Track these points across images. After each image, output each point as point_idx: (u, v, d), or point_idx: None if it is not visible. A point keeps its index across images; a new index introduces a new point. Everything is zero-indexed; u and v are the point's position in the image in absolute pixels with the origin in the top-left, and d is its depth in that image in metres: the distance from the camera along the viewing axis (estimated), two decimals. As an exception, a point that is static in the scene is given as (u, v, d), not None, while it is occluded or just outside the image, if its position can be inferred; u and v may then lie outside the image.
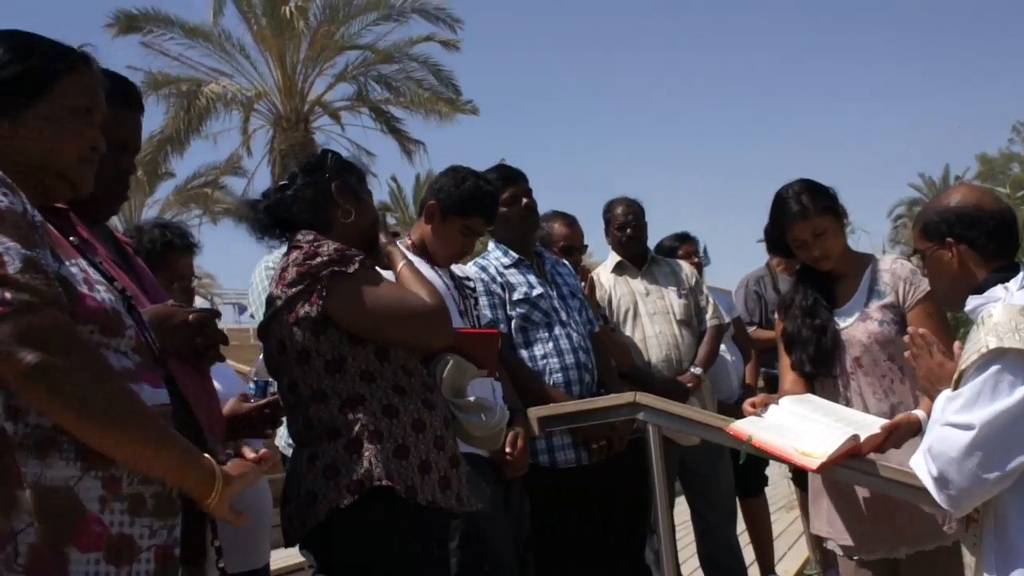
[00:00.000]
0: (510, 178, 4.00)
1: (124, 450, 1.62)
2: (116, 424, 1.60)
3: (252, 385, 2.67)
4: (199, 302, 3.91)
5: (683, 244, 5.82)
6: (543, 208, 4.42)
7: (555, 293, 4.05)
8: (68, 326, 1.60)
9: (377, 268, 2.71)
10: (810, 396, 3.23)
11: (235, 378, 3.76)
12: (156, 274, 2.53)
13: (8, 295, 1.54)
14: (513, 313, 3.92)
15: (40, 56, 1.82)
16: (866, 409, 3.21)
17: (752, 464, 4.84)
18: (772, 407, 3.11)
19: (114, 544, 1.62)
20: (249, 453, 1.87)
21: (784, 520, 7.70)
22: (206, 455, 1.75)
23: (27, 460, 1.57)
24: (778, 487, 7.41)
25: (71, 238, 1.88)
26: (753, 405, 3.14)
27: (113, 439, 1.60)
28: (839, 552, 3.33)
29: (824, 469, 2.87)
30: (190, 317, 2.08)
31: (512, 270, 3.99)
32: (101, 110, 1.88)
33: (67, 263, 1.72)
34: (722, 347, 5.08)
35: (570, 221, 4.83)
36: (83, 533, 1.59)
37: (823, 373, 3.30)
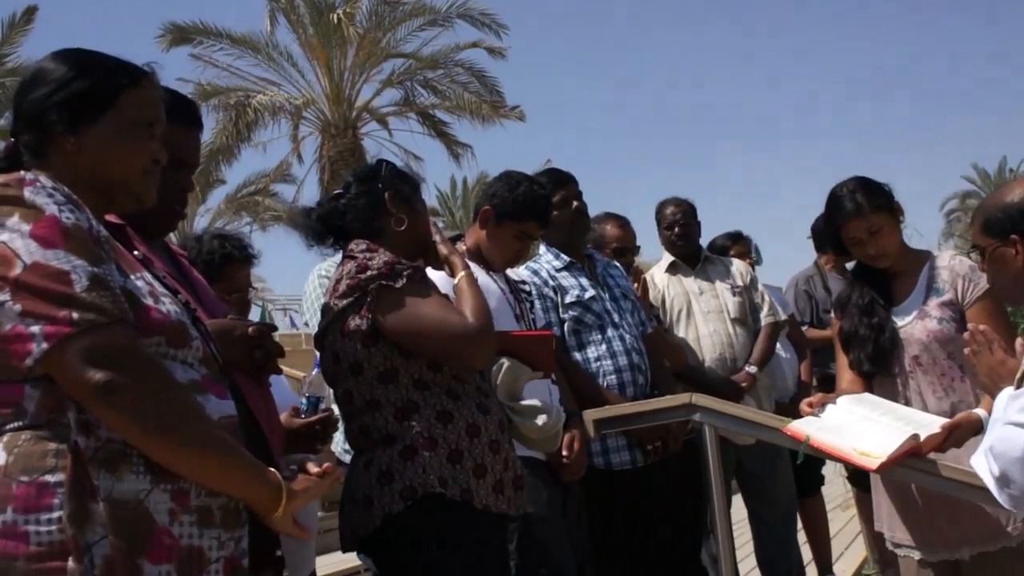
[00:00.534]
0: (560, 181, 4.01)
1: (190, 466, 1.65)
2: (182, 441, 1.63)
3: (304, 400, 2.70)
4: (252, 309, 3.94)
5: (736, 244, 5.79)
6: (593, 210, 4.43)
7: (607, 295, 4.04)
8: (134, 343, 1.63)
9: (431, 277, 2.73)
10: (868, 395, 3.19)
11: (286, 387, 3.80)
12: (213, 285, 2.57)
13: (75, 315, 1.57)
14: (566, 316, 3.92)
15: (103, 72, 1.85)
16: (925, 408, 3.17)
17: (808, 464, 4.79)
18: (830, 407, 3.08)
19: (184, 556, 1.64)
20: (313, 467, 1.89)
21: (840, 519, 7.61)
22: (272, 469, 1.77)
23: (99, 473, 1.60)
24: (833, 486, 7.32)
25: (135, 252, 1.91)
26: (810, 405, 3.12)
27: (179, 455, 1.64)
28: (900, 552, 3.29)
29: (884, 469, 2.84)
30: (250, 330, 2.11)
31: (564, 273, 4.00)
32: (162, 123, 1.91)
33: (132, 276, 1.75)
34: (776, 345, 5.04)
35: (622, 223, 4.81)
36: (155, 545, 1.61)
37: (881, 372, 3.26)
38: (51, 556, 1.57)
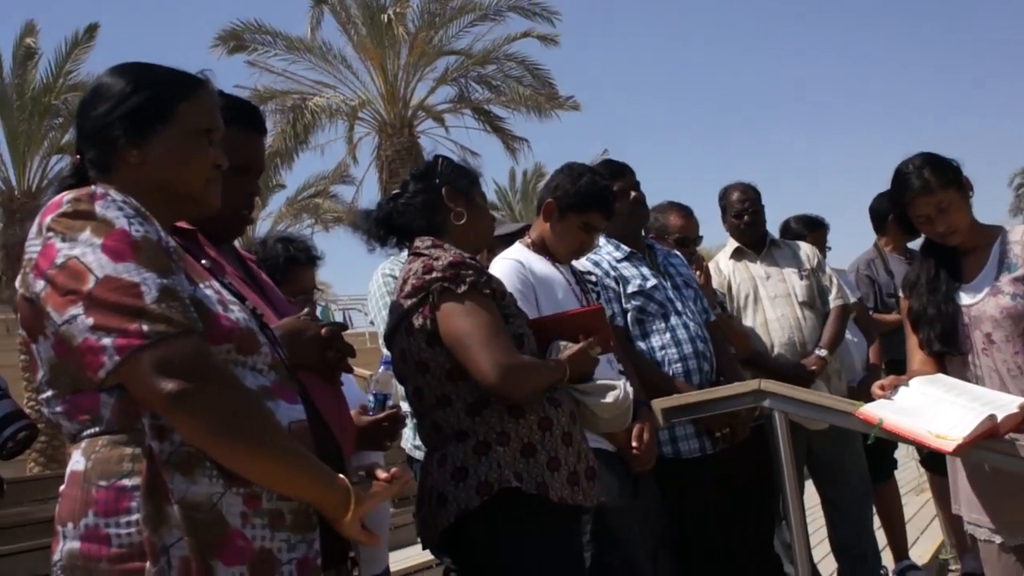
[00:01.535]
0: (617, 172, 3.99)
1: (260, 472, 1.68)
2: (254, 448, 1.66)
3: (371, 398, 2.73)
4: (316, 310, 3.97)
5: (813, 232, 5.62)
6: (651, 200, 4.40)
7: (669, 284, 4.02)
8: (204, 353, 1.65)
9: (498, 274, 2.74)
10: (941, 376, 3.14)
11: (354, 385, 3.84)
12: (279, 288, 2.60)
13: (146, 327, 1.60)
14: (628, 306, 3.91)
15: (161, 84, 1.88)
16: (1002, 387, 3.10)
17: (881, 448, 4.73)
18: (902, 389, 3.04)
19: (256, 558, 1.67)
20: (381, 473, 1.91)
21: (914, 504, 7.49)
22: (340, 476, 1.79)
23: (174, 477, 1.63)
24: (905, 470, 7.19)
25: (203, 261, 1.94)
26: (882, 388, 3.07)
27: (249, 462, 1.66)
28: (980, 537, 3.22)
29: (961, 451, 2.79)
30: (323, 331, 2.13)
31: (625, 263, 3.99)
32: (220, 130, 1.94)
33: (201, 285, 1.78)
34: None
35: (686, 212, 4.76)
36: (228, 548, 1.64)
37: (952, 351, 3.20)
38: (132, 557, 1.61)
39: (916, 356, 3.29)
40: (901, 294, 3.47)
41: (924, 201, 3.18)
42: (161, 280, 1.65)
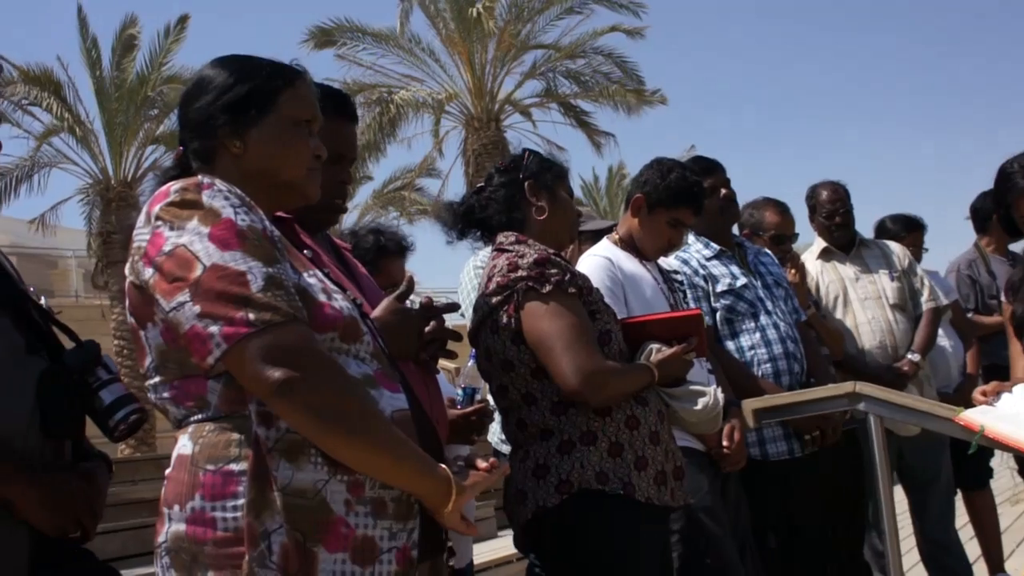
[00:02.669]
0: (707, 169, 3.94)
1: (363, 461, 1.69)
2: (357, 437, 1.67)
3: (459, 392, 2.73)
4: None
5: (910, 232, 5.43)
6: (741, 198, 4.33)
7: (759, 283, 3.97)
8: (310, 341, 1.67)
9: (586, 271, 2.71)
10: (1048, 382, 3.04)
11: (442, 378, 3.85)
12: (370, 277, 2.61)
13: (252, 315, 1.62)
14: (718, 305, 3.87)
15: (262, 75, 1.91)
16: (1113, 395, 2.99)
17: (976, 456, 4.59)
18: (1005, 395, 2.96)
19: (359, 545, 1.68)
20: (481, 463, 1.90)
21: (1009, 514, 7.28)
22: (442, 465, 1.79)
23: (279, 463, 1.65)
24: (1000, 479, 6.99)
25: (304, 251, 1.96)
26: (984, 393, 2.99)
27: (353, 451, 1.67)
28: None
29: (1067, 461, 2.69)
30: (426, 329, 2.12)
31: (714, 262, 3.94)
32: (319, 120, 1.96)
33: (305, 274, 1.80)
34: (939, 332, 4.83)
35: (782, 209, 4.67)
36: (331, 534, 1.65)
37: (1060, 358, 3.10)
38: (237, 541, 1.63)
39: (1020, 362, 3.21)
40: (1003, 297, 3.37)
41: (1031, 201, 3.09)
42: (267, 269, 1.67)
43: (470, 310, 3.23)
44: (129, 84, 18.12)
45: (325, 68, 18.02)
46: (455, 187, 20.16)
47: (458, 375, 2.88)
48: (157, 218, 1.72)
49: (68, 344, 2.14)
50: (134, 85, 18.11)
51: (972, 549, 5.13)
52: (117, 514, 6.81)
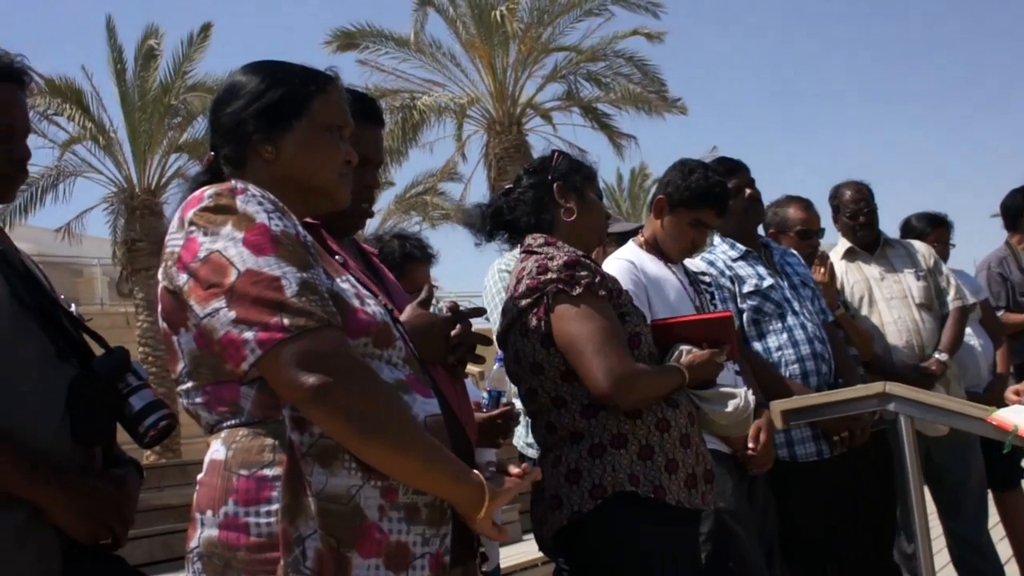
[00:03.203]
0: (732, 169, 3.92)
1: (397, 467, 1.69)
2: (392, 442, 1.66)
3: (485, 395, 2.72)
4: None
5: (936, 229, 5.40)
6: (766, 200, 4.31)
7: (786, 283, 3.95)
8: (344, 347, 1.67)
9: (613, 272, 2.70)
10: (1081, 382, 3.00)
11: (467, 381, 3.85)
12: (393, 284, 2.61)
13: (286, 321, 1.62)
14: (744, 306, 3.85)
15: (294, 81, 1.91)
16: None
17: (1008, 456, 4.54)
18: (1038, 394, 2.92)
19: (392, 551, 1.68)
20: (513, 468, 1.89)
21: (1040, 515, 7.19)
22: (475, 472, 1.79)
23: (313, 469, 1.65)
24: (1029, 478, 6.93)
25: (336, 256, 1.96)
26: (1017, 393, 2.96)
27: (389, 456, 1.67)
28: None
29: (1101, 461, 2.66)
30: (454, 333, 2.11)
31: (740, 262, 3.92)
32: (350, 126, 1.96)
33: (338, 279, 1.80)
34: (968, 331, 4.79)
35: (806, 205, 4.64)
36: (365, 540, 1.65)
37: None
38: (271, 547, 1.63)
39: (1055, 360, 3.16)
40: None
41: (1063, 197, 3.05)
42: (301, 274, 1.67)
43: (495, 313, 3.23)
44: (152, 92, 18.24)
45: (347, 74, 17.91)
46: (477, 191, 20.18)
47: (483, 379, 2.87)
48: (191, 223, 1.72)
49: (98, 351, 2.15)
50: (157, 93, 18.22)
51: (1003, 549, 5.08)
52: (143, 520, 6.86)
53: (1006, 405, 3.00)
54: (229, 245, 1.67)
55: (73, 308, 2.21)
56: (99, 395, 2.03)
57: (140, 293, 17.34)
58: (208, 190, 1.75)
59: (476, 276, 4.07)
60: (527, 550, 5.62)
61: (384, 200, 21.58)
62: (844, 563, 3.83)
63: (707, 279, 3.74)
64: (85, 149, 18.35)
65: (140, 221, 17.71)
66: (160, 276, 1.78)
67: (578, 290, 2.54)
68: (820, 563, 3.79)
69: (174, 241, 1.75)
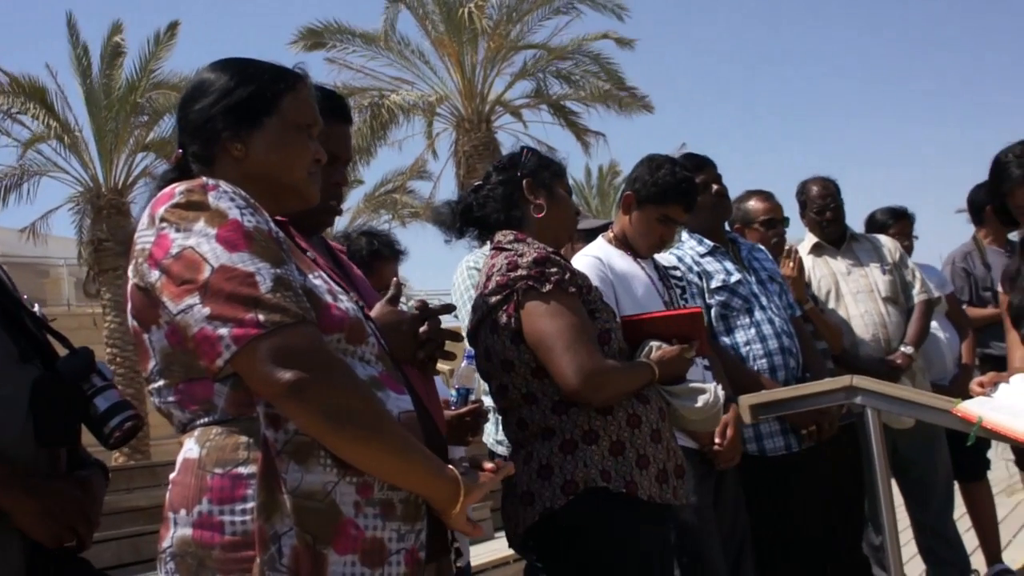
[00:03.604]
0: (698, 165, 3.93)
1: (373, 462, 1.68)
2: (367, 438, 1.66)
3: (453, 393, 2.72)
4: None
5: (898, 221, 5.48)
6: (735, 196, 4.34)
7: (753, 278, 3.97)
8: (319, 342, 1.67)
9: (583, 268, 2.70)
10: (1045, 373, 3.03)
11: (436, 379, 3.84)
12: (361, 282, 2.59)
13: (261, 316, 1.61)
14: (712, 301, 3.87)
15: (263, 79, 1.90)
16: (1110, 385, 2.99)
17: (974, 447, 4.60)
18: (1002, 386, 2.96)
19: (368, 547, 1.67)
20: (487, 464, 1.90)
21: (1005, 505, 7.27)
22: (450, 467, 1.79)
23: (288, 466, 1.64)
24: (996, 470, 6.99)
25: (308, 253, 1.95)
26: (981, 385, 2.99)
27: (364, 452, 1.67)
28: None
29: (1065, 451, 2.69)
30: (422, 330, 2.11)
31: (708, 258, 3.94)
32: (319, 124, 1.96)
33: (310, 275, 1.80)
34: (934, 324, 4.85)
35: (767, 196, 4.71)
36: (341, 536, 1.65)
37: (1057, 348, 3.10)
38: (246, 545, 1.62)
39: (1017, 352, 3.20)
40: (1000, 288, 3.37)
41: (1024, 191, 3.08)
42: (275, 270, 1.66)
43: (464, 310, 3.22)
44: (119, 91, 18.05)
45: (315, 72, 17.80)
46: (446, 189, 20.12)
47: (452, 376, 2.86)
48: (162, 220, 1.71)
49: (63, 352, 2.12)
50: (124, 92, 18.04)
51: (969, 540, 5.14)
52: (111, 523, 6.80)
53: (971, 397, 3.02)
54: (202, 241, 1.66)
55: (36, 308, 2.19)
56: (63, 396, 2.01)
57: (107, 294, 17.16)
58: (179, 186, 1.74)
59: (445, 274, 4.07)
60: (499, 547, 5.62)
61: (353, 198, 21.50)
62: (814, 557, 3.85)
63: (678, 274, 3.75)
64: (50, 148, 18.11)
65: (107, 221, 17.52)
66: (130, 273, 1.76)
67: (548, 287, 2.55)
68: (790, 558, 3.81)
69: (145, 238, 1.73)
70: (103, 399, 2.05)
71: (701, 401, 2.76)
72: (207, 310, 1.62)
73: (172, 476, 1.74)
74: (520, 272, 2.56)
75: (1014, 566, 5.39)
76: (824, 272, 4.73)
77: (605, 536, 2.52)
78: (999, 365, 3.79)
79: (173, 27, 18.57)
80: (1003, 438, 2.94)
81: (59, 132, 17.66)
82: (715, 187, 3.96)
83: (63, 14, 18.47)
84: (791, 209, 4.90)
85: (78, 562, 2.07)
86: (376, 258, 3.44)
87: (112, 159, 18.22)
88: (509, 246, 2.67)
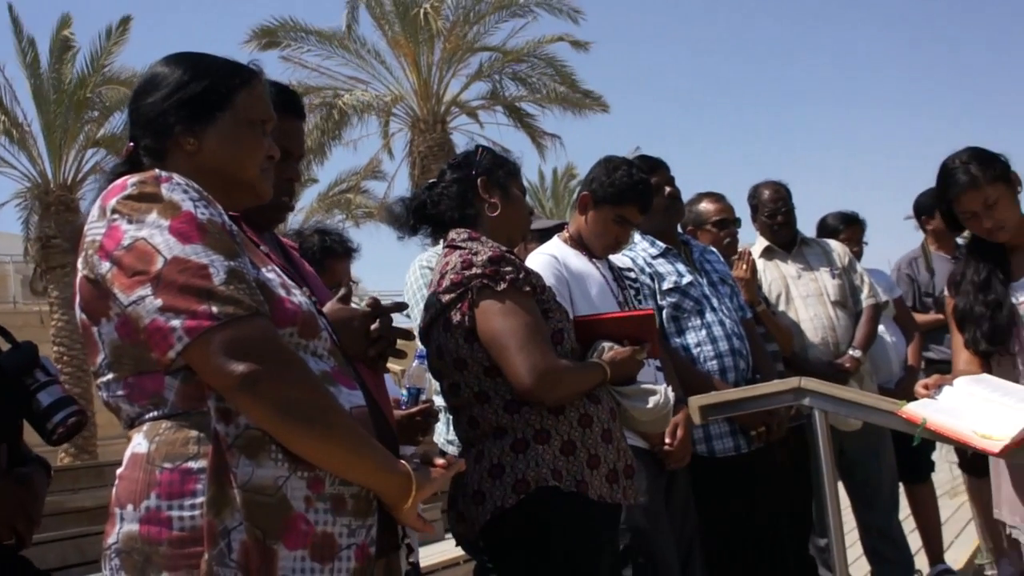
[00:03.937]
0: (652, 167, 3.95)
1: (326, 456, 1.68)
2: (320, 431, 1.65)
3: (404, 392, 2.71)
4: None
5: (848, 227, 5.55)
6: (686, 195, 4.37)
7: (705, 280, 4.00)
8: (273, 335, 1.66)
9: (536, 267, 2.70)
10: (987, 376, 3.08)
11: (387, 379, 3.82)
12: (312, 279, 2.57)
13: (215, 308, 1.60)
14: (664, 303, 3.88)
15: (217, 73, 1.89)
16: (1051, 389, 3.04)
17: (918, 449, 4.67)
18: (946, 388, 3.00)
19: (318, 542, 1.66)
20: (438, 460, 1.90)
21: (948, 507, 7.39)
22: (402, 461, 1.78)
23: (239, 460, 1.62)
24: (940, 472, 7.10)
25: (261, 247, 1.94)
26: (926, 387, 3.03)
27: (316, 446, 1.66)
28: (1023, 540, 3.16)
29: (1007, 453, 2.73)
30: (373, 326, 2.10)
31: (660, 260, 3.96)
32: (273, 121, 1.95)
33: (264, 269, 1.79)
34: (881, 328, 4.91)
35: (718, 197, 4.78)
36: (291, 531, 1.63)
37: (1000, 350, 3.14)
38: (193, 541, 1.60)
39: (961, 355, 3.23)
40: (946, 292, 3.41)
41: (971, 196, 3.13)
42: (228, 262, 1.65)
43: (416, 310, 3.21)
44: (68, 86, 17.78)
45: (269, 70, 17.70)
46: (401, 189, 20.09)
47: (403, 376, 2.85)
48: (114, 211, 1.69)
49: (5, 347, 2.09)
50: (73, 87, 17.77)
51: (913, 541, 5.21)
52: (57, 523, 6.70)
53: (916, 399, 3.06)
54: (155, 232, 1.64)
55: None
56: (4, 391, 1.97)
57: (55, 291, 16.89)
58: (131, 178, 1.72)
59: (398, 274, 4.05)
60: (448, 548, 5.60)
61: (307, 198, 21.37)
62: (762, 557, 3.89)
63: (633, 275, 3.76)
64: (-3, 143, 17.84)
65: (55, 217, 17.26)
66: (80, 265, 1.74)
67: (502, 286, 2.55)
68: (738, 558, 3.84)
69: (95, 230, 1.71)
70: (46, 394, 2.02)
71: (652, 402, 2.77)
72: (159, 301, 1.60)
73: (119, 471, 1.71)
74: (475, 270, 2.56)
75: (956, 566, 5.49)
76: (775, 276, 4.78)
77: (556, 535, 2.52)
78: (939, 369, 3.85)
79: (125, 22, 18.32)
80: (946, 439, 2.98)
81: (7, 127, 17.38)
82: (668, 189, 3.98)
83: (5, 6, 18.07)
84: (743, 211, 4.96)
85: (18, 561, 2.03)
86: (328, 255, 3.42)
87: (61, 155, 17.96)
88: (463, 244, 2.66)
